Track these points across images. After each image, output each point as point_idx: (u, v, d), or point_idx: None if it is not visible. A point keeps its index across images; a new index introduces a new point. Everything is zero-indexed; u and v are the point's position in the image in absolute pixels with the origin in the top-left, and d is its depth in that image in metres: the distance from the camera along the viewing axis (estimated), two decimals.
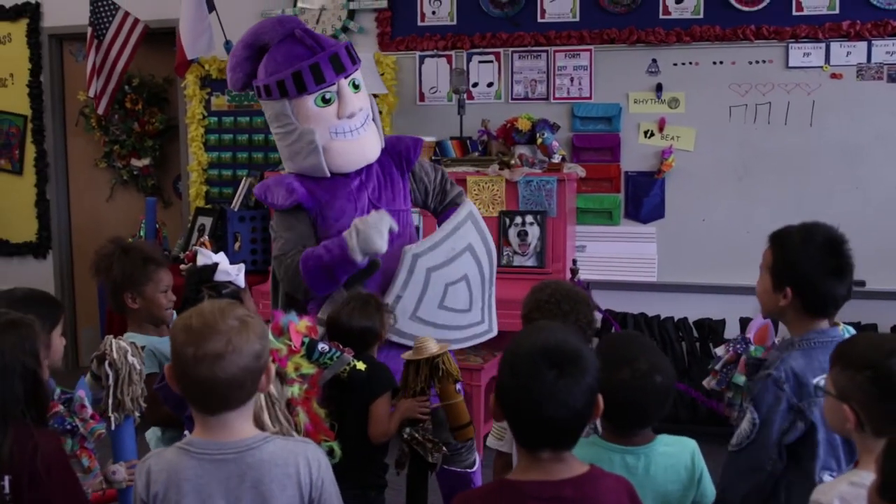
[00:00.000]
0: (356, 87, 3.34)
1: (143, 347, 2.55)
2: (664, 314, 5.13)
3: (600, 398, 1.76)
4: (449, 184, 3.62)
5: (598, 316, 5.01)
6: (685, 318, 5.08)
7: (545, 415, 1.67)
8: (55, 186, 6.62)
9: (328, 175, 3.31)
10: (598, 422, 2.15)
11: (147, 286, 2.93)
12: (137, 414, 2.44)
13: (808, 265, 2.33)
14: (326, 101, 3.27)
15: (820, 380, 2.14)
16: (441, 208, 3.59)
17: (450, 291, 3.31)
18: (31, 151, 6.59)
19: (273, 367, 2.01)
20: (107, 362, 2.33)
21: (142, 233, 5.76)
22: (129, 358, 2.34)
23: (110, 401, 2.34)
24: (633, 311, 5.17)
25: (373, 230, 3.04)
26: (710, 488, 2.18)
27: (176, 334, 1.88)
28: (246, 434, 1.92)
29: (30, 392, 2.08)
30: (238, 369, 1.83)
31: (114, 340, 2.36)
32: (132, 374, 2.35)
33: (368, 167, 3.37)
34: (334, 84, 3.26)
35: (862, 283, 5.01)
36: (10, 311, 2.17)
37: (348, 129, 3.30)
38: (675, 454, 2.15)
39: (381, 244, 3.05)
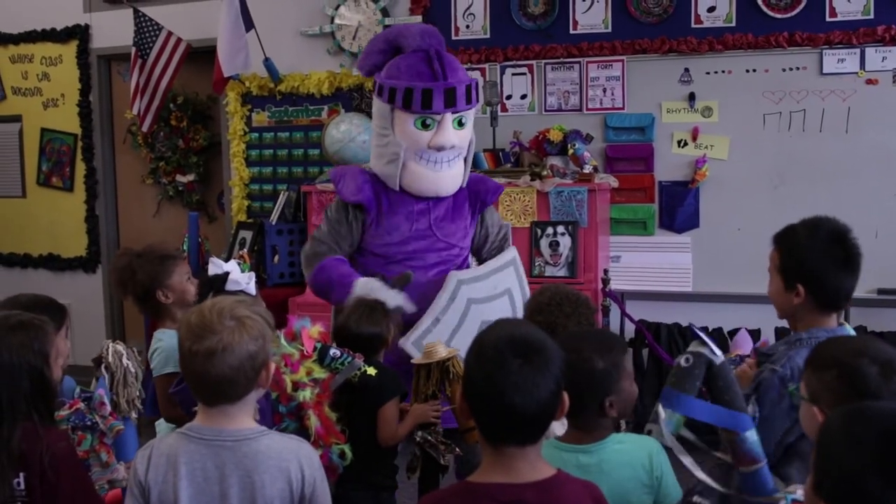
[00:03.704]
0: (461, 124, 3.33)
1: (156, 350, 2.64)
2: (699, 324, 5.05)
3: (566, 395, 1.76)
4: (507, 242, 3.63)
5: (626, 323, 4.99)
6: (720, 328, 5.02)
7: (509, 404, 1.67)
8: (104, 202, 6.81)
9: (397, 189, 3.35)
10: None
11: (173, 278, 3.05)
12: (135, 415, 2.52)
13: (816, 259, 2.32)
14: (425, 126, 3.27)
15: (794, 386, 2.12)
16: (489, 258, 3.59)
17: None
18: (80, 169, 6.80)
19: (273, 365, 2.07)
20: (102, 365, 2.41)
21: (185, 247, 5.89)
22: (124, 361, 2.43)
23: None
24: (668, 322, 5.13)
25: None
26: (673, 492, 2.14)
27: (179, 328, 2.00)
28: (244, 425, 2.01)
29: (36, 390, 2.17)
30: (229, 368, 1.92)
31: (111, 344, 2.44)
32: (127, 377, 2.44)
33: (441, 198, 3.40)
34: (439, 115, 3.27)
35: None
36: (22, 312, 2.26)
37: (434, 159, 3.31)
38: (630, 451, 2.13)
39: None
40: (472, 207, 3.47)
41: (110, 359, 2.45)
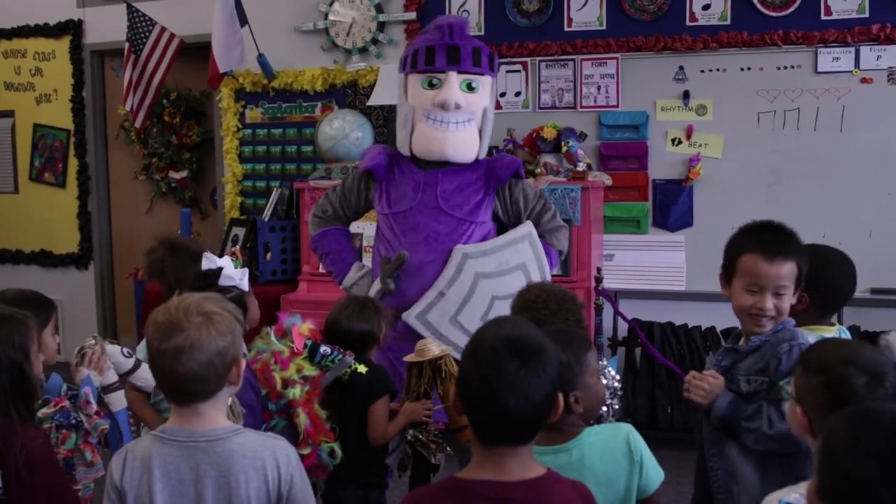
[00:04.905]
0: (470, 88, 3.41)
1: None
2: (692, 323, 5.07)
3: (560, 396, 1.74)
4: (546, 216, 3.55)
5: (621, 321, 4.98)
6: (713, 328, 5.01)
7: (503, 406, 1.64)
8: (96, 199, 6.79)
9: (407, 154, 3.44)
10: None
11: None
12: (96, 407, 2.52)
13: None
14: (432, 86, 3.39)
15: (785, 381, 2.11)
16: (544, 231, 3.57)
17: (496, 306, 3.30)
18: (73, 165, 6.77)
19: (244, 362, 2.04)
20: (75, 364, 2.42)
21: None
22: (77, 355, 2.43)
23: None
24: (661, 320, 5.12)
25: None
26: (654, 473, 2.12)
27: (146, 328, 1.96)
28: (217, 424, 1.97)
29: (16, 386, 2.13)
30: (198, 365, 1.88)
31: (87, 343, 2.45)
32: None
33: (453, 170, 3.42)
34: (444, 72, 3.35)
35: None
36: (6, 306, 2.23)
37: (441, 118, 3.37)
38: (607, 440, 2.11)
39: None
40: (486, 184, 3.46)
41: (75, 360, 2.46)
